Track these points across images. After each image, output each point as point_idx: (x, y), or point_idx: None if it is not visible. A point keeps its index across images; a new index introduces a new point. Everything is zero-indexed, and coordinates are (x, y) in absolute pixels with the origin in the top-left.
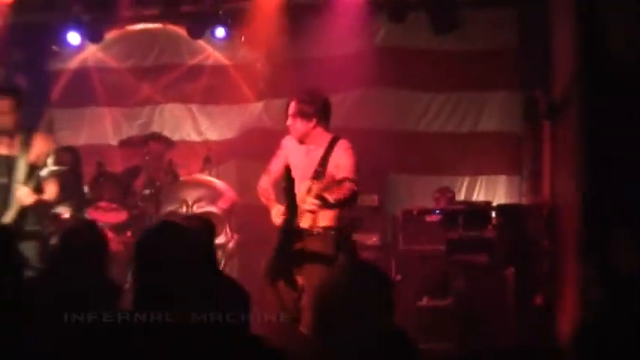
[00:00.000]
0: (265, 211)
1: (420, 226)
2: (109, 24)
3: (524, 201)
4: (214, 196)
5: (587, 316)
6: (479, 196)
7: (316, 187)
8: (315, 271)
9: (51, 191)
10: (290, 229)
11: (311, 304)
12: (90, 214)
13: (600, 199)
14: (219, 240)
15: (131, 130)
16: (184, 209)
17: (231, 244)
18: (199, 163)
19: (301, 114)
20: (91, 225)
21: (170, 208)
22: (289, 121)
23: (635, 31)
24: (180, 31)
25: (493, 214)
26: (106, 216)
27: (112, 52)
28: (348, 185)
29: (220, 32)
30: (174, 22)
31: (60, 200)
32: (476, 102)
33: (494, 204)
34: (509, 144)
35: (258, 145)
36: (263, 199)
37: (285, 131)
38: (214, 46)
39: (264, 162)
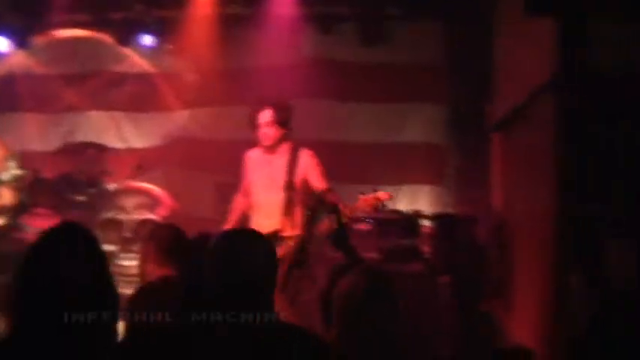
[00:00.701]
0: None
1: (350, 235)
2: (37, 30)
3: (450, 211)
4: (153, 203)
5: (575, 327)
6: (402, 205)
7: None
8: None
9: (9, 196)
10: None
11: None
12: (25, 220)
13: (585, 210)
14: None
15: (57, 137)
16: (123, 216)
17: None
18: (125, 170)
19: (279, 121)
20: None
21: (108, 215)
22: (263, 129)
23: (619, 43)
24: (107, 38)
25: (424, 223)
26: (41, 222)
27: (38, 58)
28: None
29: (148, 40)
30: (104, 29)
31: (20, 205)
32: (401, 113)
33: (426, 213)
34: (433, 155)
35: (185, 154)
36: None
37: (213, 141)
38: (141, 54)
39: (194, 170)
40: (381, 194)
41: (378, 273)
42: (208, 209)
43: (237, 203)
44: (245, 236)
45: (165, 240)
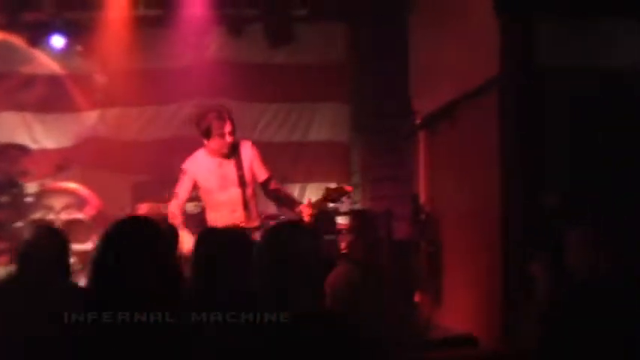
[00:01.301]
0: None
1: None
2: None
3: (359, 206)
4: (80, 203)
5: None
6: None
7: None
8: None
9: None
10: None
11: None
12: None
13: (537, 204)
14: (87, 246)
15: None
16: (51, 216)
17: None
18: (41, 170)
19: (234, 130)
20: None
21: (36, 215)
22: (227, 139)
23: (563, 41)
24: (16, 39)
25: (338, 220)
26: None
27: None
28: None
29: (58, 42)
30: (14, 31)
31: None
32: (306, 113)
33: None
34: (338, 153)
35: (96, 154)
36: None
37: (123, 141)
38: (50, 56)
39: (105, 170)
40: (346, 187)
41: (366, 264)
42: (125, 208)
43: (178, 211)
44: (300, 230)
45: None
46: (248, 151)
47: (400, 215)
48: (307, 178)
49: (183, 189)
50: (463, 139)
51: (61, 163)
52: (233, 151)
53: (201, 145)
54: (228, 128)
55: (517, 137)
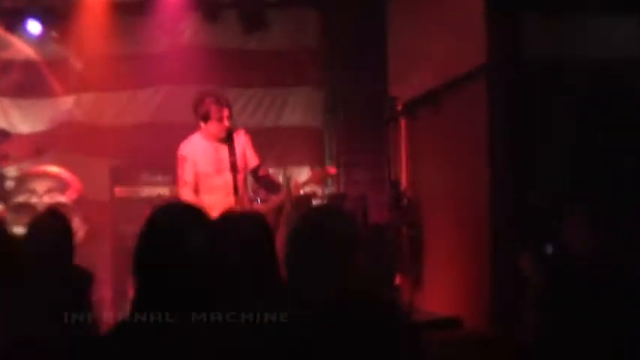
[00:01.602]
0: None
1: None
2: None
3: (333, 190)
4: (62, 186)
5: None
6: None
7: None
8: None
9: None
10: None
11: None
12: None
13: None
14: None
15: None
16: (35, 199)
17: (80, 234)
18: (21, 154)
19: (231, 115)
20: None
21: (19, 199)
22: (225, 123)
23: (547, 35)
24: None
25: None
26: None
27: None
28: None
29: (35, 27)
30: None
31: None
32: (280, 98)
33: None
34: (311, 137)
35: (73, 138)
36: None
37: (102, 125)
38: (26, 41)
39: (83, 154)
40: (330, 169)
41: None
42: (103, 192)
43: (193, 196)
44: (333, 213)
45: None
46: (241, 138)
47: (377, 200)
48: (281, 162)
49: (188, 174)
50: (448, 126)
51: (40, 146)
52: (227, 137)
53: (179, 129)
54: (226, 113)
55: (507, 130)
